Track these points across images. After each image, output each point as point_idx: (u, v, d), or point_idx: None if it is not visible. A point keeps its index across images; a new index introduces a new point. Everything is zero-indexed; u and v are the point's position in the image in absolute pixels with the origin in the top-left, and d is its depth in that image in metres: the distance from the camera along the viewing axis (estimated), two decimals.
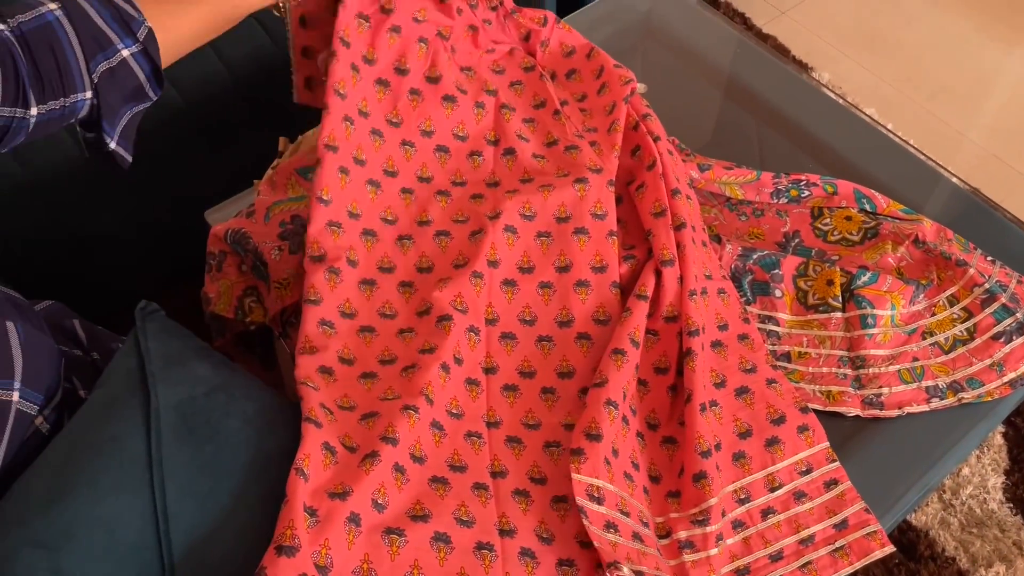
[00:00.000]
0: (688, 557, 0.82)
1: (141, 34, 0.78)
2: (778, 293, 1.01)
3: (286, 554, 0.67)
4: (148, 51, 0.78)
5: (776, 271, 1.02)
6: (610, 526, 0.77)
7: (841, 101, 1.26)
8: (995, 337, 0.99)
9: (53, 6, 0.73)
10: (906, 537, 1.34)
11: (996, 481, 1.40)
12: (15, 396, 0.69)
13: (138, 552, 0.67)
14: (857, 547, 0.84)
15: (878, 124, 1.24)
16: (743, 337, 0.97)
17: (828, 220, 1.09)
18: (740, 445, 0.90)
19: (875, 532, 0.85)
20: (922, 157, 1.19)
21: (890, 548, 0.85)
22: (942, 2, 2.23)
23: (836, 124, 1.23)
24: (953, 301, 1.02)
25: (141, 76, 0.79)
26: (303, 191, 1.00)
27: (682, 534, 0.83)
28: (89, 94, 0.74)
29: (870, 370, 0.96)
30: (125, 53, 0.77)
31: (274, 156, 1.09)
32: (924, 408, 0.95)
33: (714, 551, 0.82)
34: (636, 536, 0.79)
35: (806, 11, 2.21)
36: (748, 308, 1.01)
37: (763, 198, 1.11)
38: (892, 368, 0.97)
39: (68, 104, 0.73)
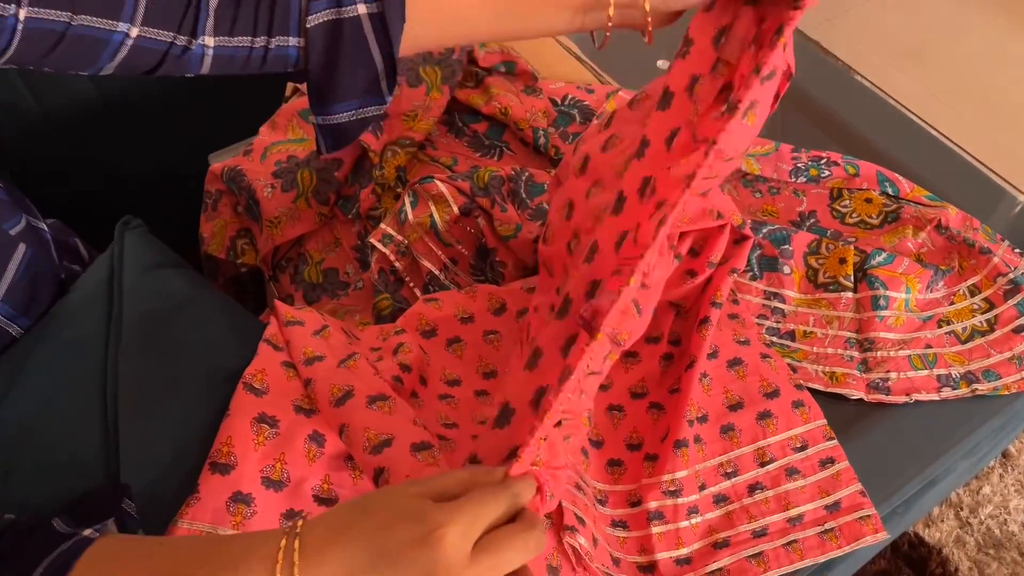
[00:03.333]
0: (656, 529, 0.78)
1: None
2: (787, 270, 0.96)
3: (220, 472, 0.65)
4: (386, 21, 0.60)
5: (786, 247, 0.97)
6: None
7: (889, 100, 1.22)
8: (1016, 330, 0.93)
9: None
10: (917, 552, 1.27)
11: (1019, 503, 1.32)
12: None
13: (84, 456, 0.65)
14: (848, 530, 0.79)
15: (917, 118, 1.19)
16: (733, 316, 0.93)
17: (847, 202, 1.04)
18: (729, 417, 0.85)
19: (869, 517, 0.80)
20: (958, 150, 1.14)
21: (884, 535, 0.79)
22: (992, 16, 2.16)
23: (867, 112, 1.18)
24: (974, 291, 0.96)
25: (377, 55, 0.62)
26: (303, 133, 0.98)
27: (652, 504, 0.79)
28: (295, 41, 0.60)
29: (878, 353, 0.91)
30: (362, 9, 0.60)
31: None
32: (934, 396, 0.89)
33: (684, 524, 0.78)
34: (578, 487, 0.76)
35: (852, 20, 2.16)
36: (754, 284, 0.97)
37: (780, 176, 1.06)
38: (902, 353, 0.91)
39: (264, 47, 0.61)
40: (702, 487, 0.81)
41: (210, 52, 0.60)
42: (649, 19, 0.63)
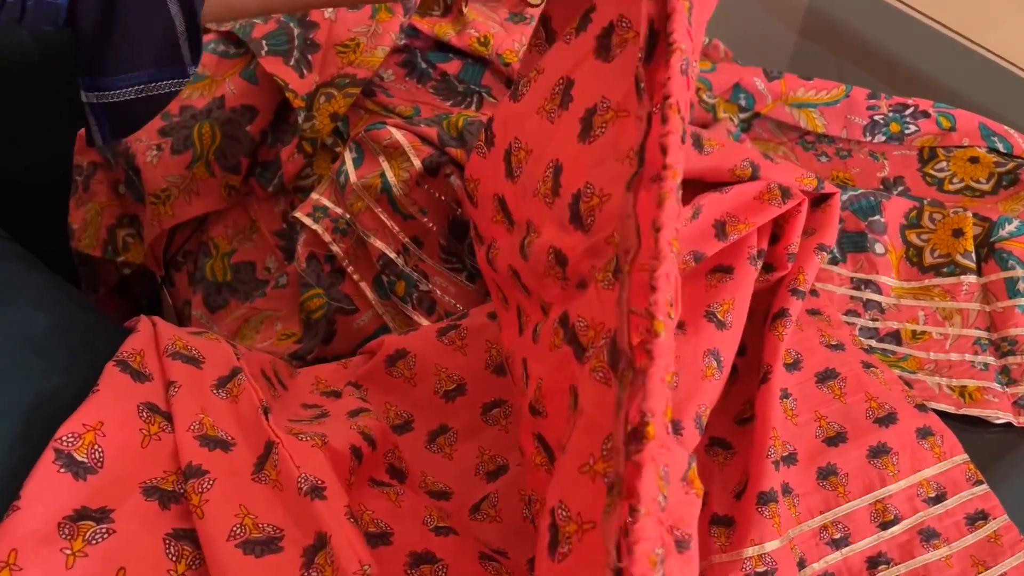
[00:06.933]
0: None
1: None
2: (879, 248, 0.70)
3: None
4: None
5: (876, 218, 0.71)
6: None
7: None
8: None
9: None
10: None
11: None
12: None
13: None
14: None
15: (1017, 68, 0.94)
16: (814, 312, 0.66)
17: (944, 164, 0.78)
18: (828, 455, 0.57)
19: None
20: None
21: None
22: None
23: (955, 64, 0.93)
24: None
25: (175, 9, 0.49)
26: (206, 70, 0.71)
27: None
28: None
29: None
30: None
31: None
32: None
33: None
34: None
35: None
36: (836, 269, 0.70)
37: (852, 134, 0.80)
38: None
39: None
40: (801, 563, 0.53)
41: None
42: None
